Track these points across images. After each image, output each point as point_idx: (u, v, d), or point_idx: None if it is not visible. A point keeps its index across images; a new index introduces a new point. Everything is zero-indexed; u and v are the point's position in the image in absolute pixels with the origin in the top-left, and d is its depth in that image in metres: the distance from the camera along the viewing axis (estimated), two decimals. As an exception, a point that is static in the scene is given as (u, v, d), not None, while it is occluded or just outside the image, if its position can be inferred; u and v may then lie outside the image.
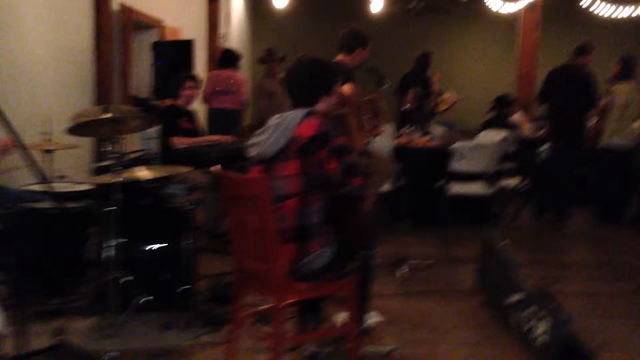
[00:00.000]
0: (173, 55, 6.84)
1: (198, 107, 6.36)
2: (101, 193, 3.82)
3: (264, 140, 2.80)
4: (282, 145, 2.75)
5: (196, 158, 4.95)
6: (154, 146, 5.44)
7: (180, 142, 5.16)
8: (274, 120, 2.85)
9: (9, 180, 4.09)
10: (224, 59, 7.31)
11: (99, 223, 3.61)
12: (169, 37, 7.63)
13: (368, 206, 3.05)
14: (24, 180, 3.95)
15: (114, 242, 3.35)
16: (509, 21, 10.71)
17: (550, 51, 10.05)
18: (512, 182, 6.37)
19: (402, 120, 7.17)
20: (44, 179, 2.95)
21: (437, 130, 6.63)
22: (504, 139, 6.54)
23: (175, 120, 5.26)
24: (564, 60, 6.70)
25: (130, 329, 3.36)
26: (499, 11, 10.90)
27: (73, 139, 3.91)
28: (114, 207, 3.39)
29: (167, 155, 5.12)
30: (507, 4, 10.76)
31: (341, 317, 3.39)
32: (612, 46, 9.71)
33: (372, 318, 3.57)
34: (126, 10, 6.50)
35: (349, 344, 2.93)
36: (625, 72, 6.65)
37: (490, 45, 13.42)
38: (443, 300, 4.13)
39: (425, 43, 12.89)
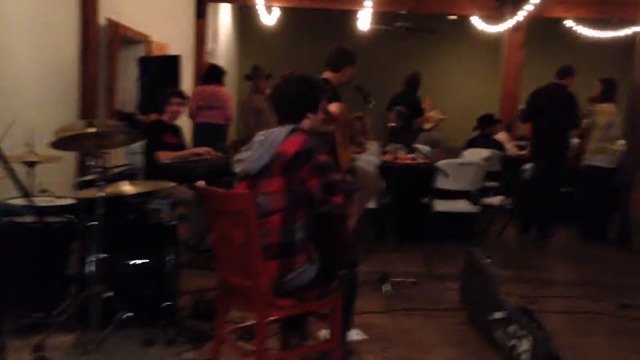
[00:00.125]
0: (159, 71, 6.84)
1: (183, 122, 6.36)
2: (84, 208, 3.80)
3: (249, 157, 2.81)
4: (266, 162, 2.76)
5: (181, 173, 4.94)
6: (138, 161, 5.42)
7: (165, 156, 5.14)
8: (259, 136, 2.86)
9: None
10: (209, 74, 7.33)
11: (81, 238, 3.58)
12: (156, 52, 7.63)
13: (351, 224, 3.06)
14: (5, 194, 3.92)
15: (96, 257, 3.32)
16: (495, 41, 10.84)
17: (534, 71, 10.18)
18: (496, 200, 6.42)
19: (390, 138, 7.22)
20: (25, 193, 2.93)
21: (422, 148, 6.67)
22: (488, 158, 6.61)
23: (161, 135, 5.25)
24: (547, 80, 6.80)
25: (112, 345, 3.32)
26: (485, 31, 11.06)
27: (57, 153, 3.89)
28: (96, 222, 3.36)
29: (151, 170, 5.10)
30: (492, 24, 10.92)
31: (325, 333, 3.38)
32: (595, 67, 9.86)
33: (355, 336, 3.56)
34: (113, 25, 6.50)
35: (332, 361, 2.92)
36: (606, 94, 6.76)
37: (476, 65, 13.58)
38: (427, 318, 4.12)
39: (411, 61, 13.01)
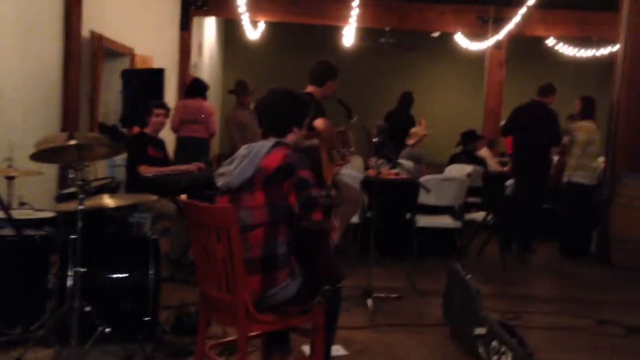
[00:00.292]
0: (143, 84, 6.82)
1: (167, 136, 6.34)
2: (64, 221, 3.76)
3: (231, 170, 2.80)
4: (248, 176, 2.74)
5: (164, 186, 4.91)
6: (120, 174, 5.38)
7: (147, 170, 5.10)
8: (242, 150, 2.85)
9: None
10: (193, 89, 7.31)
11: (60, 251, 3.54)
12: (140, 65, 7.62)
13: (335, 239, 3.05)
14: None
15: (75, 271, 3.28)
16: (478, 58, 10.97)
17: (516, 89, 10.32)
18: (478, 215, 6.45)
19: (373, 153, 7.25)
20: (2, 206, 2.89)
21: (405, 163, 6.70)
22: (471, 174, 6.65)
23: (144, 148, 5.22)
24: (528, 97, 6.89)
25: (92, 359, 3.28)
26: (468, 48, 11.19)
27: (37, 166, 3.85)
28: (76, 236, 3.32)
29: (134, 183, 5.06)
30: (474, 42, 11.05)
31: (309, 348, 3.36)
32: (575, 85, 10.03)
33: (336, 352, 3.54)
34: (96, 38, 6.48)
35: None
36: (585, 112, 6.86)
37: (459, 81, 13.73)
38: (410, 333, 4.12)
39: (395, 78, 13.13)
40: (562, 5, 10.03)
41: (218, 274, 2.71)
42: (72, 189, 3.58)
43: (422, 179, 5.55)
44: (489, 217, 6.24)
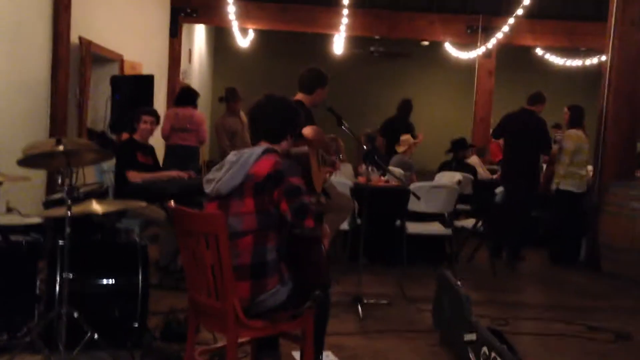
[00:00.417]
0: (132, 90, 6.79)
1: (156, 144, 6.31)
2: (52, 227, 3.72)
3: (220, 177, 2.78)
4: (238, 182, 2.73)
5: (153, 193, 4.88)
6: (109, 180, 5.34)
7: (135, 176, 5.07)
8: (231, 156, 2.83)
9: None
10: (184, 97, 7.27)
11: (48, 257, 3.50)
12: (129, 71, 7.59)
13: (325, 245, 3.04)
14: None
15: (63, 277, 3.24)
16: (468, 67, 11.03)
17: (505, 97, 10.39)
18: (468, 222, 6.46)
19: (363, 160, 7.26)
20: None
21: (395, 170, 6.70)
22: (461, 181, 6.67)
23: (133, 154, 5.18)
24: (517, 106, 6.94)
25: (79, 367, 3.24)
26: (458, 57, 11.26)
27: (25, 171, 3.81)
28: (64, 242, 3.29)
29: (122, 189, 5.03)
30: (463, 51, 11.12)
31: (299, 354, 3.33)
32: (563, 94, 10.10)
33: (327, 358, 3.53)
34: (85, 43, 6.45)
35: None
36: (574, 120, 6.91)
37: (449, 90, 13.80)
38: (400, 339, 4.10)
39: (385, 86, 13.17)
40: (551, 15, 10.13)
41: (207, 281, 2.69)
42: (60, 195, 3.54)
43: (412, 186, 5.55)
44: (479, 225, 6.25)
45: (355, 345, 3.93)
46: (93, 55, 6.69)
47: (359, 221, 5.62)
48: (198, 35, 12.06)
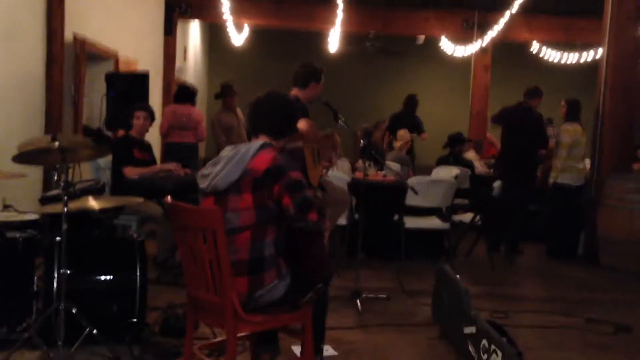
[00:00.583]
0: (127, 87, 6.75)
1: (154, 141, 6.28)
2: (48, 223, 3.70)
3: (217, 172, 2.75)
4: (235, 178, 2.71)
5: (150, 189, 4.86)
6: (105, 176, 5.32)
7: (131, 172, 5.05)
8: (227, 151, 2.81)
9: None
10: (181, 94, 7.25)
11: (46, 253, 3.48)
12: (124, 68, 7.55)
13: (325, 239, 3.03)
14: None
15: (61, 273, 3.23)
16: (464, 62, 11.02)
17: (501, 93, 10.37)
18: (465, 217, 6.46)
19: (360, 155, 7.26)
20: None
21: (392, 166, 6.70)
22: (458, 176, 6.67)
23: (129, 150, 5.16)
24: (514, 101, 6.94)
25: (77, 363, 3.22)
26: (454, 53, 11.23)
27: (21, 168, 3.79)
28: (61, 238, 3.27)
29: (119, 186, 5.01)
30: (459, 48, 11.10)
31: (298, 348, 3.33)
32: (560, 89, 10.09)
33: (327, 352, 3.52)
34: (79, 40, 6.42)
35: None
36: (571, 114, 6.91)
37: (446, 85, 13.76)
38: (399, 333, 4.10)
39: (381, 82, 13.16)
40: (546, 10, 10.11)
41: (205, 276, 2.67)
42: (56, 191, 3.52)
43: (410, 181, 5.55)
44: (477, 219, 6.25)
45: (354, 339, 3.93)
46: (88, 53, 6.66)
47: (356, 216, 5.61)
48: (193, 33, 12.02)
